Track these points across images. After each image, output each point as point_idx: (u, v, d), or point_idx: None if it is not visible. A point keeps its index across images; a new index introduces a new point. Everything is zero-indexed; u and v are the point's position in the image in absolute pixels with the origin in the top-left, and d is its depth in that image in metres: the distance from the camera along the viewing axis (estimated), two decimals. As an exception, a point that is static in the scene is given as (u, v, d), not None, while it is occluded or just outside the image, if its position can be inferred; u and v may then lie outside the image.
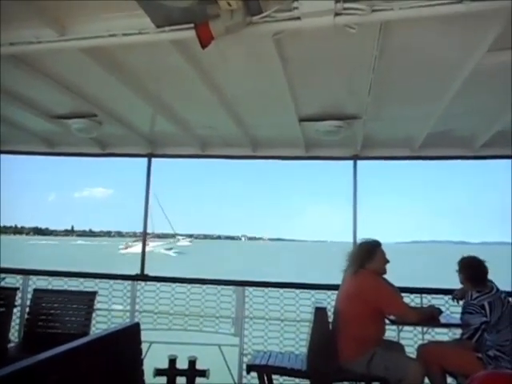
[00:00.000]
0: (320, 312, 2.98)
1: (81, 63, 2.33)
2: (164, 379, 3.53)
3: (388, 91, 2.67)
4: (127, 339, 2.20)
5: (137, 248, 52.48)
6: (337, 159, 4.01)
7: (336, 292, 3.44)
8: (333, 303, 3.46)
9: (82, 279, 4.00)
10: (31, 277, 4.00)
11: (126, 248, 52.04)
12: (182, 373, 3.58)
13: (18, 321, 3.90)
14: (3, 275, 3.86)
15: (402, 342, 3.43)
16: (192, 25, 1.71)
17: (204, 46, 1.69)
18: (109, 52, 2.23)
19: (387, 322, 3.07)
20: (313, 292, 3.78)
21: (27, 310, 3.84)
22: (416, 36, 2.00)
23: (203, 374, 3.57)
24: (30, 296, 3.89)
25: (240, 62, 2.31)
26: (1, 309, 3.43)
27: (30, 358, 1.51)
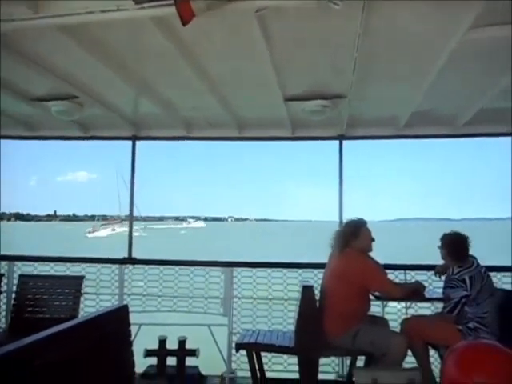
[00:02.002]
0: (307, 290, 3.04)
1: (59, 42, 2.25)
2: (154, 360, 3.59)
3: (372, 70, 2.66)
4: (115, 321, 2.21)
5: (104, 231, 52.46)
6: (322, 139, 4.01)
7: (322, 270, 3.51)
8: (320, 281, 3.52)
9: (68, 264, 3.97)
10: (16, 263, 3.95)
11: (94, 232, 52.14)
12: (172, 353, 3.64)
13: (4, 307, 3.88)
14: (-13, 261, 3.81)
15: (387, 316, 3.54)
16: (172, 1, 1.66)
17: (185, 22, 1.64)
18: (88, 31, 2.16)
19: (372, 298, 3.15)
20: (300, 271, 3.84)
21: (13, 295, 3.81)
22: (399, 14, 1.99)
23: (193, 353, 3.63)
24: (15, 282, 3.86)
25: (223, 41, 2.27)
26: None
27: (14, 343, 1.51)
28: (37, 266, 3.98)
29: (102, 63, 2.50)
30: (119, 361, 2.16)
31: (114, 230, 53.68)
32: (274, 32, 2.12)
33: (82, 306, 3.81)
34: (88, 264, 3.98)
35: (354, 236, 3.07)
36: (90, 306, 3.89)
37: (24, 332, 3.73)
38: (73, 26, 2.04)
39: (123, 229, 47.49)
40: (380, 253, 3.26)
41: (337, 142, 3.90)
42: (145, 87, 3.04)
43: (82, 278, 3.82)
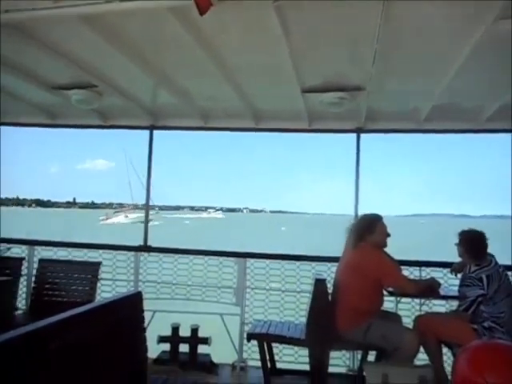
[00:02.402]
0: (320, 283, 3.04)
1: (79, 32, 2.28)
2: (167, 346, 3.66)
3: (393, 61, 2.60)
4: (130, 307, 2.25)
5: (117, 219, 54.06)
6: (340, 132, 3.97)
7: (336, 264, 3.49)
8: (333, 275, 3.51)
9: (85, 250, 4.06)
10: (36, 247, 4.07)
11: (107, 219, 53.89)
12: (184, 340, 3.71)
13: (25, 289, 4.01)
14: (9, 245, 3.92)
15: (400, 313, 3.51)
16: (190, -9, 1.65)
17: (202, 12, 1.64)
18: (107, 20, 2.18)
19: (385, 293, 3.13)
20: (313, 264, 3.83)
21: (33, 279, 3.93)
22: (422, 3, 1.93)
23: (205, 341, 3.69)
24: (36, 266, 3.98)
25: (240, 32, 2.26)
26: (7, 277, 3.50)
27: (30, 325, 1.56)
28: (56, 250, 4.08)
29: (120, 53, 2.52)
30: (132, 346, 2.21)
31: (126, 216, 54.92)
32: (292, 22, 2.09)
33: (98, 291, 3.90)
34: (104, 250, 4.06)
35: (369, 230, 3.04)
36: (106, 291, 3.98)
37: (43, 314, 3.85)
38: (93, 16, 2.07)
39: (136, 215, 48.51)
40: (394, 248, 3.22)
41: (354, 135, 3.85)
42: (163, 77, 3.05)
43: (98, 263, 3.91)
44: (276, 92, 3.28)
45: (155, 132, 4.14)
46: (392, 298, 3.52)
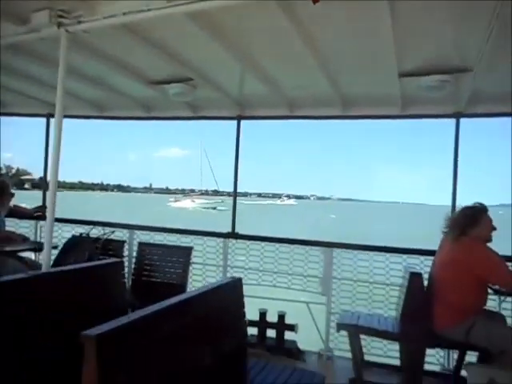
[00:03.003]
0: (415, 277, 2.91)
1: (183, 29, 2.40)
2: (254, 330, 3.79)
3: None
4: (232, 292, 2.36)
5: (184, 203, 58.16)
6: (436, 117, 3.71)
7: (430, 257, 3.32)
8: (426, 269, 3.35)
9: (179, 235, 4.32)
10: (135, 231, 4.42)
11: (176, 202, 58.70)
12: (272, 325, 3.81)
13: (126, 269, 4.38)
14: (113, 229, 4.30)
15: (503, 312, 3.24)
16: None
17: (315, 1, 1.61)
18: (211, 16, 2.25)
19: (490, 291, 2.91)
20: (404, 256, 3.67)
21: (133, 260, 4.28)
22: None
23: (292, 328, 3.75)
24: (135, 249, 4.33)
25: (344, 16, 2.19)
26: (119, 259, 3.82)
27: (146, 308, 1.69)
28: (152, 235, 4.40)
29: (218, 45, 2.60)
30: (234, 328, 2.32)
31: (193, 201, 58.72)
32: (402, 3, 1.97)
33: (190, 274, 4.14)
34: (196, 236, 4.28)
35: (473, 223, 2.83)
36: (198, 274, 4.21)
37: (143, 293, 4.14)
38: (198, 13, 2.14)
39: (201, 201, 56.06)
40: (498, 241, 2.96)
41: (453, 120, 3.57)
42: (253, 67, 3.09)
43: (191, 248, 4.13)
44: (370, 77, 3.15)
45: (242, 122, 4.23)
46: (494, 297, 3.26)
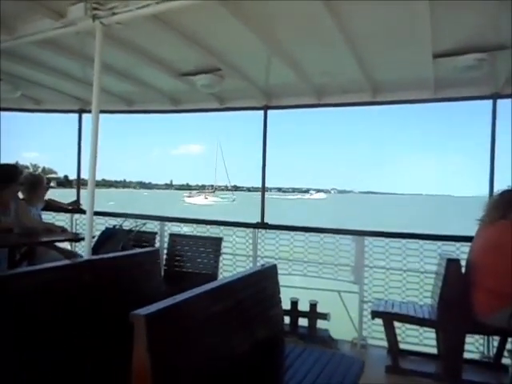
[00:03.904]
0: (453, 264, 2.85)
1: (212, 15, 2.40)
2: (287, 319, 3.79)
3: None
4: (267, 278, 2.37)
5: (198, 199, 59.60)
6: (472, 99, 3.57)
7: (466, 244, 3.23)
8: (462, 255, 3.26)
9: (208, 226, 4.36)
10: (166, 223, 4.48)
11: (190, 197, 61.02)
12: (304, 314, 3.81)
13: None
14: (144, 221, 4.39)
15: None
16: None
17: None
18: (241, 1, 2.24)
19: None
20: (439, 243, 3.58)
21: (165, 251, 4.35)
22: None
23: (324, 317, 3.74)
24: (166, 240, 4.40)
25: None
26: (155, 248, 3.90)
27: (197, 289, 1.72)
28: (182, 226, 4.46)
29: (246, 32, 2.59)
30: (270, 314, 2.33)
31: (206, 198, 60.90)
32: None
33: (220, 264, 4.17)
34: (225, 227, 4.30)
35: None
36: (228, 265, 4.24)
37: (176, 282, 4.20)
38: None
39: (215, 198, 58.45)
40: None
41: (490, 101, 3.44)
42: (281, 54, 3.06)
43: (220, 239, 4.17)
44: (403, 59, 3.07)
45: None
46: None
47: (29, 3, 2.35)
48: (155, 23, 2.51)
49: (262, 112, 4.22)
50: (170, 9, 2.17)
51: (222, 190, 70.46)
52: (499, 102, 3.40)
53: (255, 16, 2.46)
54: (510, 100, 3.42)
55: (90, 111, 2.59)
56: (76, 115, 4.83)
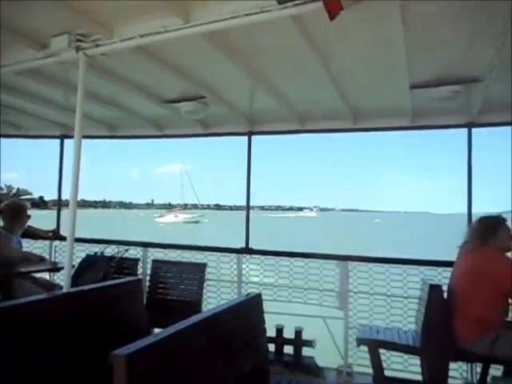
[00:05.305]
0: (435, 289, 2.87)
1: (197, 47, 2.44)
2: (271, 346, 3.73)
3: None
4: (252, 308, 2.34)
5: (168, 218, 61.09)
6: (448, 127, 3.70)
7: (447, 269, 3.28)
8: (444, 280, 3.30)
9: (193, 252, 4.32)
10: (149, 249, 4.42)
11: (160, 217, 62.75)
12: (289, 342, 3.75)
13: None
14: (126, 247, 4.31)
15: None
16: (316, -2, 1.67)
17: (332, 17, 1.64)
18: (223, 33, 2.28)
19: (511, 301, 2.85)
20: (421, 268, 3.63)
21: (148, 278, 4.26)
22: None
23: (310, 344, 3.69)
24: (149, 266, 4.32)
25: (358, 31, 2.22)
26: (137, 277, 3.81)
27: (180, 323, 1.69)
28: (166, 252, 4.40)
29: (233, 63, 2.64)
30: (255, 344, 2.29)
31: (176, 216, 62.37)
32: (414, 12, 1.99)
33: (204, 291, 4.11)
34: (210, 252, 4.26)
35: (491, 233, 2.80)
36: (212, 291, 4.18)
37: (158, 310, 4.10)
38: (214, 33, 2.18)
39: (184, 215, 60.88)
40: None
41: (464, 130, 3.57)
42: (265, 83, 3.12)
43: (204, 264, 4.11)
44: (381, 90, 3.18)
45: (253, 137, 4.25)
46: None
47: (12, 34, 2.35)
48: (139, 54, 2.54)
49: (246, 137, 4.29)
50: (154, 42, 2.20)
51: (190, 208, 72.19)
52: (474, 130, 3.53)
53: (239, 49, 2.51)
54: (483, 129, 3.56)
55: (72, 137, 2.56)
56: (58, 140, 4.79)
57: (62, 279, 3.60)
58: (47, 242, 4.70)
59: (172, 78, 3.02)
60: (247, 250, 4.14)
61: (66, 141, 4.78)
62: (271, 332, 3.74)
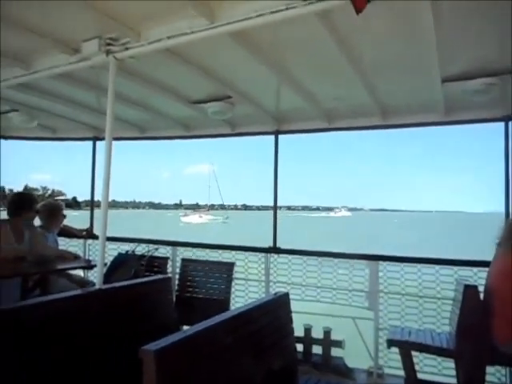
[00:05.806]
0: (470, 290, 2.77)
1: (223, 47, 2.46)
2: (300, 346, 3.70)
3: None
4: (280, 307, 2.33)
5: (193, 218, 64.58)
6: (483, 121, 3.55)
7: (483, 269, 3.15)
8: (480, 281, 3.17)
9: (220, 251, 4.35)
10: (178, 248, 4.49)
11: (185, 216, 66.71)
12: (317, 342, 3.72)
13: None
14: (156, 246, 4.40)
15: None
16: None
17: (358, 11, 1.61)
18: (249, 31, 2.29)
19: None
20: (455, 268, 3.50)
21: (177, 276, 4.33)
22: None
23: (339, 344, 3.64)
24: (178, 264, 4.39)
25: (385, 24, 2.16)
26: (168, 275, 3.89)
27: (199, 324, 1.69)
28: (195, 251, 4.45)
29: (258, 62, 2.65)
30: (283, 346, 2.28)
31: (200, 216, 66.32)
32: (445, 4, 1.92)
33: (232, 289, 4.13)
34: (237, 251, 4.28)
35: None
36: (240, 290, 4.20)
37: (187, 308, 4.15)
38: (240, 32, 2.19)
39: (208, 217, 65.76)
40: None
41: (502, 123, 3.41)
42: (292, 82, 3.10)
43: (232, 264, 4.14)
44: (412, 85, 3.09)
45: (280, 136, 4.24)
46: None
47: (45, 40, 2.45)
48: (166, 56, 2.59)
49: (273, 136, 4.29)
50: (181, 43, 2.23)
51: (217, 209, 73.90)
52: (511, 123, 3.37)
53: (264, 46, 2.51)
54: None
55: (103, 139, 2.63)
56: (90, 142, 4.95)
57: (95, 276, 3.71)
58: (82, 241, 4.87)
59: (198, 79, 3.05)
60: (275, 250, 4.13)
61: (98, 143, 4.93)
62: (299, 332, 3.72)
